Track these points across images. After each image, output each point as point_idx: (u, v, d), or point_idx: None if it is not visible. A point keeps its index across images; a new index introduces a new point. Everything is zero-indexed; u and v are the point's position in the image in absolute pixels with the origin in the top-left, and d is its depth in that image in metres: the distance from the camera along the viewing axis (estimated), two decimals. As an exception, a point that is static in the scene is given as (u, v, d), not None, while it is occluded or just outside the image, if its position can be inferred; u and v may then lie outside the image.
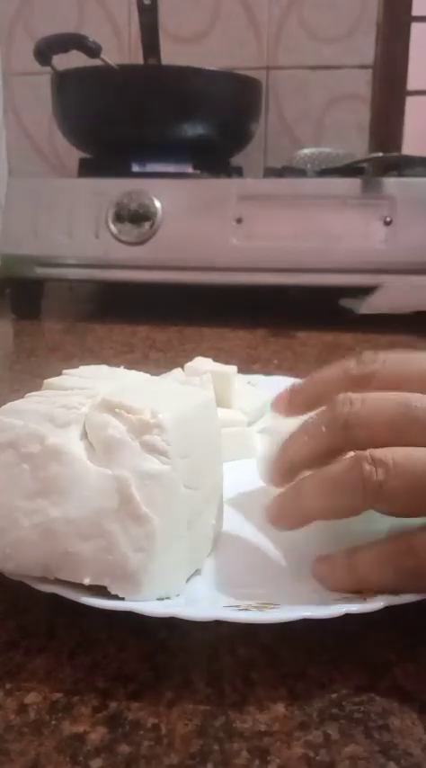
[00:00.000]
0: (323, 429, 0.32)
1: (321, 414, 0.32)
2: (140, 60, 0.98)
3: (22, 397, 0.34)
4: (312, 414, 0.33)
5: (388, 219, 0.83)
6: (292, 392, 0.37)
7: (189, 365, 0.53)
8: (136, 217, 0.88)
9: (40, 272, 0.91)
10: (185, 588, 0.30)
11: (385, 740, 0.24)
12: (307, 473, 0.33)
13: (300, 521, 0.32)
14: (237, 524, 0.38)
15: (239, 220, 0.86)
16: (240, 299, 1.00)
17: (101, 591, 0.28)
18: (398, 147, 1.17)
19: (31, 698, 0.26)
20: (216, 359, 0.55)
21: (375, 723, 0.25)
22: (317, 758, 0.23)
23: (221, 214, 0.87)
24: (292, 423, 0.42)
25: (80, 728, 0.24)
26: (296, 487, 0.32)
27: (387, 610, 0.28)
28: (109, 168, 0.95)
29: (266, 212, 0.86)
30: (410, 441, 0.29)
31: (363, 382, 0.34)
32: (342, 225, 0.84)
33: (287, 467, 0.34)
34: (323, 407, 0.33)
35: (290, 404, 0.37)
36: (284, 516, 0.32)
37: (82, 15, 1.20)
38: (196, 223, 0.87)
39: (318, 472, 0.31)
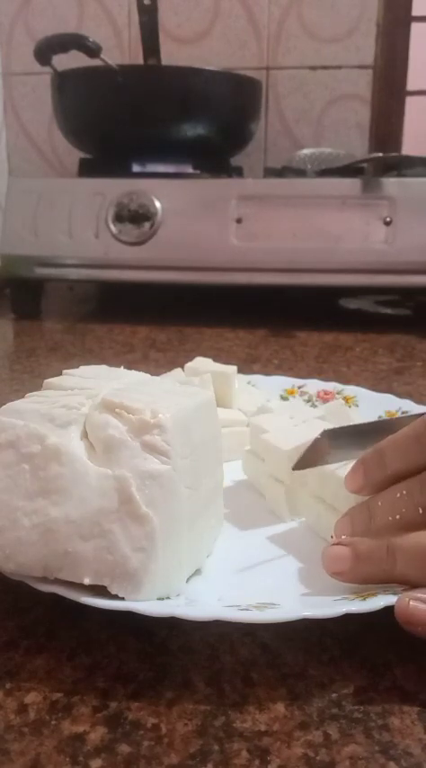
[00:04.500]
0: (420, 511, 0.30)
1: (413, 491, 0.31)
2: (140, 60, 0.98)
3: (22, 397, 0.34)
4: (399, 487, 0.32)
5: (388, 219, 0.83)
6: (366, 469, 0.34)
7: (189, 365, 0.54)
8: (136, 217, 0.88)
9: (40, 272, 0.91)
10: (185, 588, 0.30)
11: (385, 740, 0.24)
12: None
13: (385, 580, 0.30)
14: (237, 524, 0.38)
15: (239, 220, 0.86)
16: (240, 299, 1.00)
17: (101, 591, 0.28)
18: (398, 147, 1.17)
19: (30, 698, 0.26)
20: (216, 359, 0.55)
21: (375, 723, 0.25)
22: (317, 758, 0.23)
23: (221, 214, 0.87)
24: (278, 420, 0.42)
25: (80, 728, 0.24)
26: (387, 549, 0.30)
27: (387, 610, 0.28)
28: (109, 168, 0.95)
29: (266, 212, 0.86)
30: None
31: None
32: (342, 225, 0.84)
33: (374, 534, 0.31)
34: (410, 480, 0.31)
35: (368, 483, 0.33)
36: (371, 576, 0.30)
37: (82, 15, 1.20)
38: (196, 223, 0.87)
39: (413, 541, 0.30)
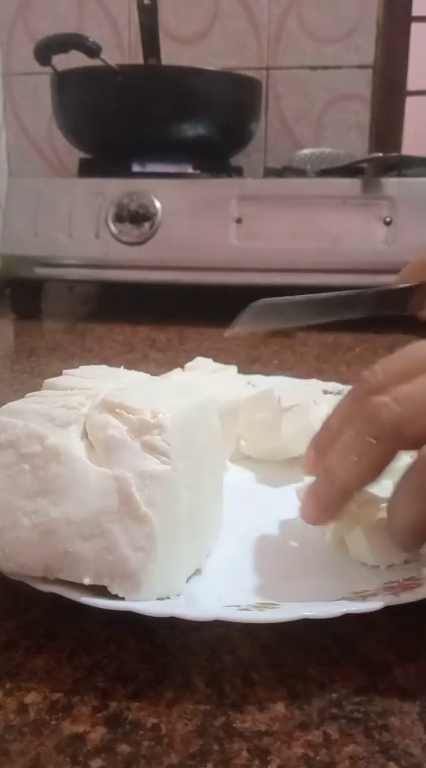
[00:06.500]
0: (374, 441, 0.29)
1: (359, 428, 0.30)
2: (140, 60, 0.98)
3: (22, 397, 0.34)
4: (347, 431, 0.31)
5: (388, 219, 0.83)
6: (317, 444, 0.34)
7: (189, 365, 0.54)
8: (136, 217, 0.88)
9: (40, 272, 0.91)
10: (185, 588, 0.30)
11: (385, 740, 0.24)
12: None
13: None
14: (237, 524, 0.38)
15: (239, 220, 0.86)
16: (240, 299, 1.00)
17: (101, 591, 0.28)
18: (398, 147, 1.17)
19: (30, 698, 0.26)
20: (216, 359, 0.55)
21: (375, 723, 0.25)
22: (317, 758, 0.23)
23: (221, 214, 0.87)
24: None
25: (80, 728, 0.24)
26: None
27: (387, 610, 0.28)
28: (109, 168, 0.95)
29: (266, 212, 0.86)
30: None
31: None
32: (342, 225, 0.84)
33: (341, 494, 0.31)
34: (355, 421, 0.30)
35: (320, 456, 0.34)
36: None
37: (82, 15, 1.20)
38: (196, 223, 0.87)
39: (400, 487, 0.29)
